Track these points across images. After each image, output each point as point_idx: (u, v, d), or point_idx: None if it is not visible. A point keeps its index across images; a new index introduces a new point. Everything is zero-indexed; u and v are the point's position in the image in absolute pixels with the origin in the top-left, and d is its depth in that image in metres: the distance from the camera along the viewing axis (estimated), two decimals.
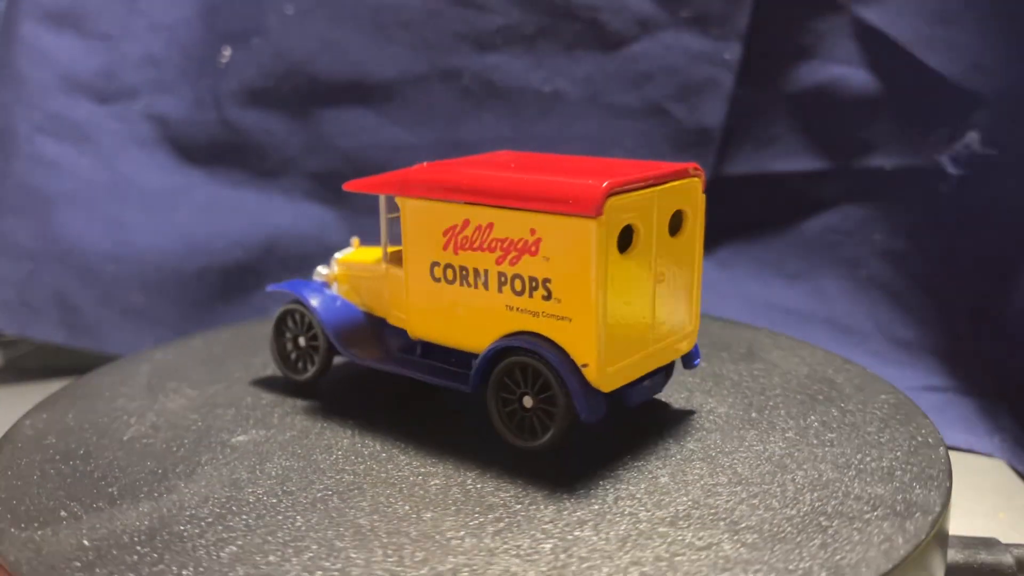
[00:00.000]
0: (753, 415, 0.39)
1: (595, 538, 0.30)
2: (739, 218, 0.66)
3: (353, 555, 0.29)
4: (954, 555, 0.35)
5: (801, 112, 0.63)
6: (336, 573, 0.28)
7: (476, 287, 0.35)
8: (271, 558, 0.29)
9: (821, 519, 0.31)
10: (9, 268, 0.62)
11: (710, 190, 0.65)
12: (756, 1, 0.62)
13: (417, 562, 0.29)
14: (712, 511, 0.32)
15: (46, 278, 0.62)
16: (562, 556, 0.29)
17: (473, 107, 0.64)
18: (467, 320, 0.36)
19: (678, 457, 0.36)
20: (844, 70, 0.61)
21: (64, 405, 0.42)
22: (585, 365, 0.33)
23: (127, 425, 0.39)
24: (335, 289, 0.43)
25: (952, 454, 0.36)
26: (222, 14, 0.64)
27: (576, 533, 0.30)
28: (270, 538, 0.30)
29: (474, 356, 0.36)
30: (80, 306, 0.63)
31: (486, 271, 0.35)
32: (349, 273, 0.43)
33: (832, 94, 0.62)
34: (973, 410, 0.58)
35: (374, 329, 0.42)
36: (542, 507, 0.32)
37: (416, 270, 0.37)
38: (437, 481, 0.34)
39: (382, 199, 0.40)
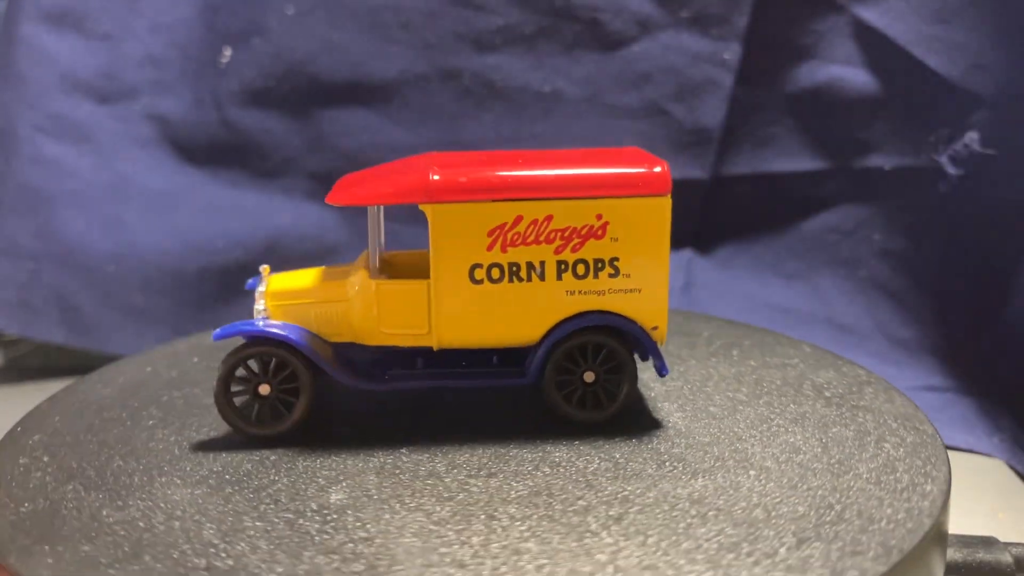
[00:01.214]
0: (749, 413, 0.40)
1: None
2: (738, 218, 0.66)
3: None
4: (953, 554, 0.35)
5: (800, 112, 0.63)
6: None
7: (530, 280, 0.37)
8: (278, 569, 0.29)
9: (820, 518, 0.31)
10: (9, 268, 0.62)
11: (710, 190, 0.65)
12: (756, 1, 0.62)
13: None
14: (713, 508, 0.32)
15: (46, 278, 0.62)
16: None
17: (473, 107, 0.64)
18: (516, 316, 0.37)
19: (679, 457, 0.36)
20: (844, 70, 0.61)
21: (65, 405, 0.42)
22: (655, 327, 0.38)
23: (128, 425, 0.39)
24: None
25: (951, 454, 0.37)
26: (222, 14, 0.64)
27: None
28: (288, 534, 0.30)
29: (491, 352, 0.39)
30: (80, 306, 0.63)
31: (542, 263, 0.37)
32: (292, 304, 0.39)
33: (832, 94, 0.62)
34: (972, 410, 0.58)
35: (343, 356, 0.39)
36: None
37: (451, 276, 0.37)
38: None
39: (378, 211, 0.39)
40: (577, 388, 0.38)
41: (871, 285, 0.63)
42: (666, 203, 0.37)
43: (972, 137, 0.58)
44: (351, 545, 0.30)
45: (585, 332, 0.38)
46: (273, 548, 0.29)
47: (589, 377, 0.38)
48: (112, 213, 0.63)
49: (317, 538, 0.30)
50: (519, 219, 0.36)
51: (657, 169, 0.37)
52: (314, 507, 0.32)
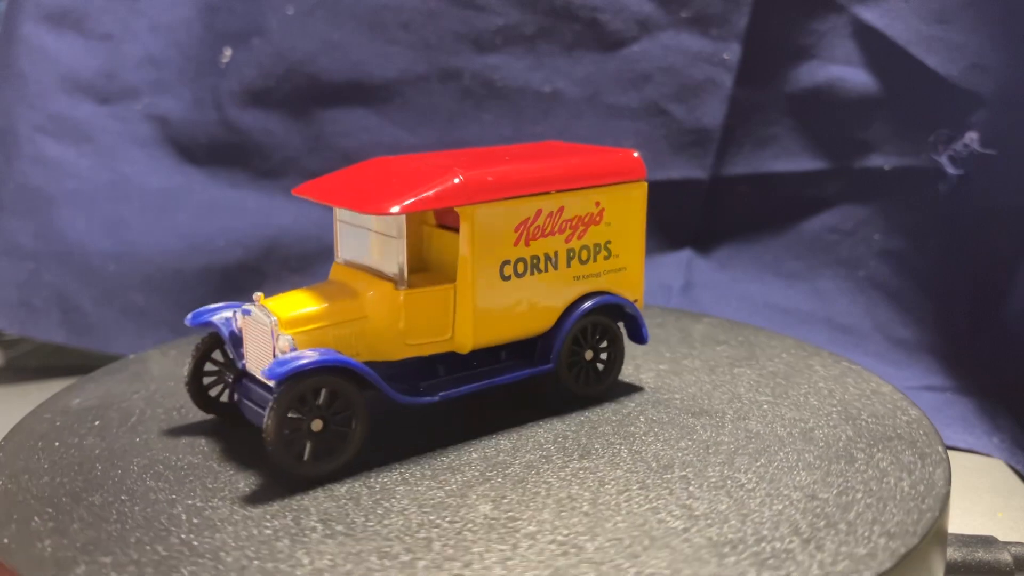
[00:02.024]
0: (747, 412, 0.40)
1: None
2: (738, 218, 0.66)
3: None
4: (953, 553, 0.35)
5: (800, 112, 0.63)
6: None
7: (546, 271, 0.39)
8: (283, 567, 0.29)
9: (820, 518, 0.31)
10: (10, 268, 0.62)
11: (710, 190, 0.66)
12: (755, 1, 0.62)
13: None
14: (712, 508, 0.32)
15: (47, 278, 0.62)
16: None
17: (473, 107, 0.64)
18: (534, 307, 0.39)
19: (678, 453, 0.36)
20: (843, 70, 0.62)
21: (66, 405, 0.42)
22: (636, 300, 0.42)
23: (128, 424, 0.39)
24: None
25: (951, 454, 0.37)
26: (222, 14, 0.64)
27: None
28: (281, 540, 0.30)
29: (500, 349, 0.39)
30: (81, 306, 0.63)
31: (556, 252, 0.39)
32: (311, 329, 0.35)
33: (831, 94, 0.62)
34: (972, 410, 0.58)
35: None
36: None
37: (485, 275, 0.37)
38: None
39: (403, 220, 0.36)
40: (581, 367, 0.40)
41: (871, 285, 0.63)
42: (644, 187, 0.41)
43: (972, 137, 0.58)
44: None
45: (590, 313, 0.40)
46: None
47: (588, 355, 0.41)
48: (112, 213, 0.63)
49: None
50: (539, 213, 0.38)
51: (635, 155, 0.40)
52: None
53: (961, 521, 0.44)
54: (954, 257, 0.60)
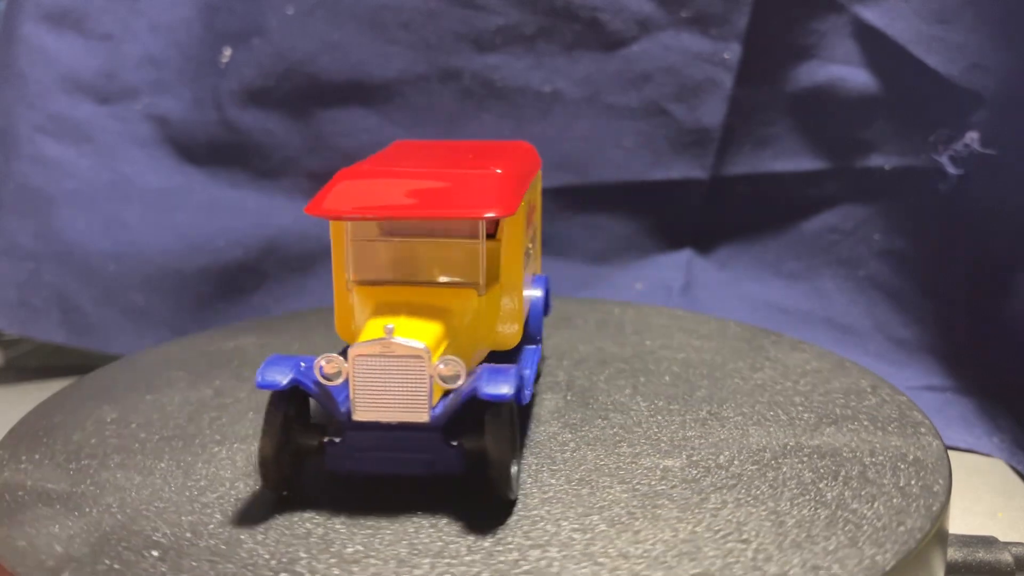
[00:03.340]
0: (748, 412, 0.40)
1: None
2: (738, 218, 0.66)
3: None
4: (953, 554, 0.35)
5: (801, 112, 0.63)
6: None
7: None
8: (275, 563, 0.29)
9: (820, 518, 0.31)
10: (10, 268, 0.62)
11: (710, 190, 0.65)
12: (756, 1, 0.62)
13: None
14: (710, 511, 0.32)
15: (46, 278, 0.62)
16: None
17: (473, 107, 0.64)
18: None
19: (680, 453, 0.36)
20: (844, 70, 0.61)
21: (66, 405, 0.42)
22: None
23: (128, 424, 0.39)
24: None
25: (951, 454, 0.37)
26: (222, 14, 0.64)
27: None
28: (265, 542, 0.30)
29: None
30: (81, 306, 0.63)
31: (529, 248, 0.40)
32: (444, 348, 0.32)
33: (832, 94, 0.62)
34: (972, 410, 0.58)
35: None
36: None
37: (518, 267, 0.36)
38: None
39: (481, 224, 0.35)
40: None
41: (871, 285, 0.63)
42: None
43: (972, 137, 0.58)
44: None
45: None
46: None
47: None
48: (112, 213, 0.63)
49: None
50: (533, 209, 0.39)
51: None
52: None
53: (962, 521, 0.44)
54: (955, 257, 0.60)
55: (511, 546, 0.29)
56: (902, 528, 0.30)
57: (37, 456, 0.36)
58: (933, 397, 0.58)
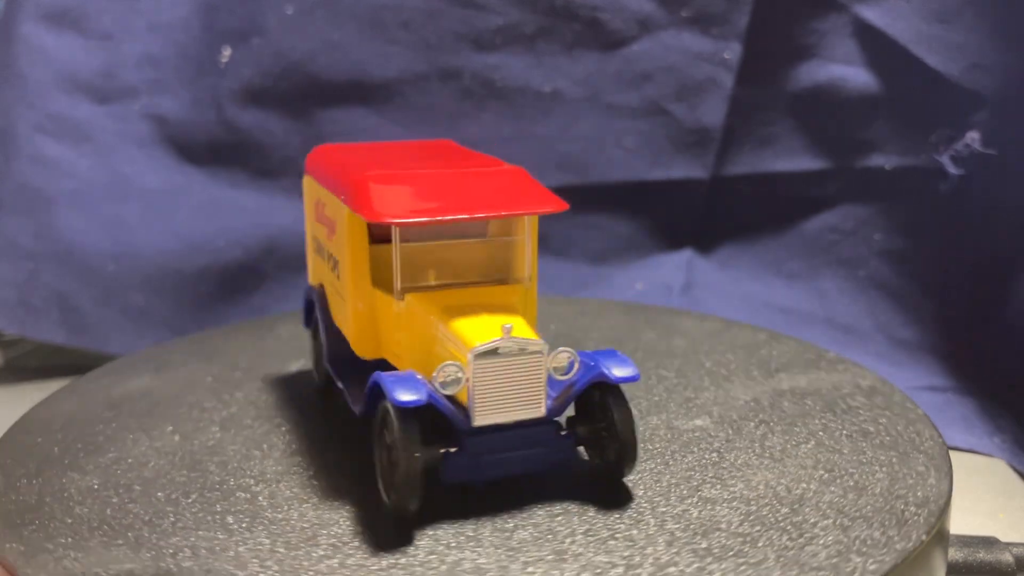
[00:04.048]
0: (749, 412, 0.39)
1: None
2: (739, 218, 0.66)
3: None
4: (954, 554, 0.35)
5: (801, 112, 0.63)
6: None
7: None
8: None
9: (821, 517, 0.31)
10: (9, 268, 0.62)
11: (711, 190, 0.65)
12: (756, 1, 0.61)
13: None
14: (710, 512, 0.32)
15: (46, 278, 0.62)
16: None
17: (473, 107, 0.64)
18: None
19: (680, 450, 0.36)
20: (844, 70, 0.61)
21: (65, 404, 0.42)
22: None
23: (127, 423, 0.39)
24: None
25: (952, 454, 0.36)
26: (222, 14, 0.64)
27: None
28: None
29: None
30: (80, 306, 0.63)
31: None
32: None
33: (832, 94, 0.62)
34: (973, 410, 0.58)
35: None
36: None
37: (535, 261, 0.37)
38: None
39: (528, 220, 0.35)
40: None
41: (872, 285, 0.63)
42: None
43: (973, 137, 0.58)
44: None
45: None
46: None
47: None
48: (112, 213, 0.63)
49: None
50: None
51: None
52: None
53: (962, 521, 0.44)
54: (955, 257, 0.60)
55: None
56: (902, 528, 0.30)
57: (36, 455, 0.36)
58: (934, 397, 0.58)
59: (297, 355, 0.47)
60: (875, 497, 0.32)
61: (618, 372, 0.31)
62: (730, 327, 0.51)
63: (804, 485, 0.33)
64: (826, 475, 0.34)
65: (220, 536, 0.30)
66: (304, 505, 0.32)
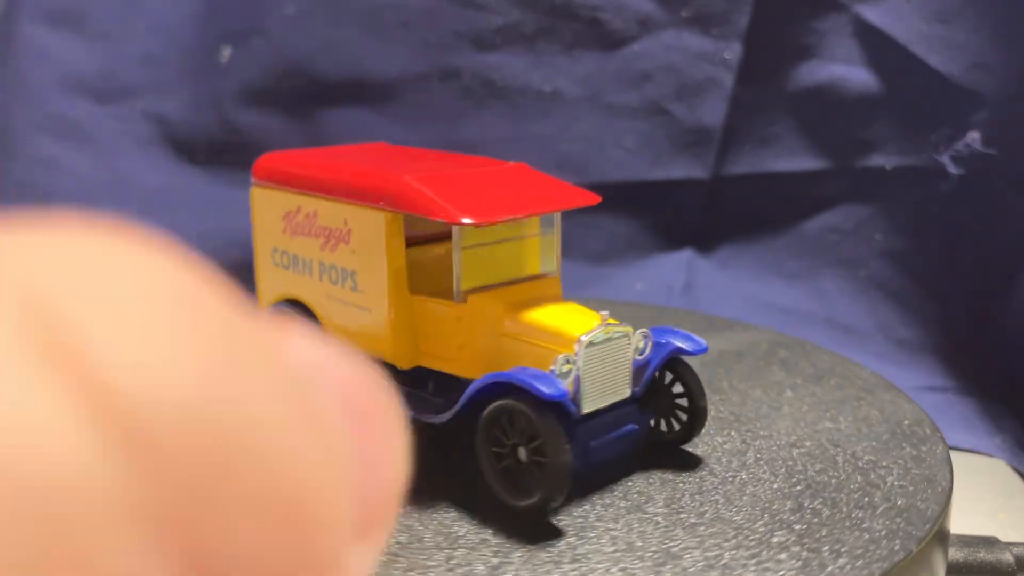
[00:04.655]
0: (750, 413, 0.39)
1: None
2: (739, 218, 0.66)
3: None
4: (955, 553, 0.35)
5: (801, 111, 0.63)
6: None
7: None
8: None
9: (822, 517, 0.31)
10: None
11: (711, 190, 0.65)
12: (756, 1, 0.61)
13: None
14: (712, 513, 0.31)
15: None
16: None
17: (473, 107, 0.64)
18: None
19: (679, 454, 0.36)
20: (844, 69, 0.61)
21: None
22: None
23: None
24: None
25: (953, 454, 0.36)
26: (222, 14, 0.64)
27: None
28: None
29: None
30: None
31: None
32: None
33: (832, 93, 0.62)
34: (973, 410, 0.57)
35: None
36: None
37: None
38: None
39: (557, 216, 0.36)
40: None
41: (872, 285, 0.63)
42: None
43: (973, 136, 0.58)
44: None
45: None
46: None
47: None
48: (111, 212, 0.63)
49: None
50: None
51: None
52: None
53: (963, 521, 0.44)
54: (956, 257, 0.60)
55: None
56: (903, 528, 0.30)
57: None
58: (935, 397, 0.58)
59: None
60: (875, 497, 0.32)
61: (689, 346, 0.33)
62: (732, 327, 0.51)
63: (805, 484, 0.33)
64: (826, 474, 0.34)
65: None
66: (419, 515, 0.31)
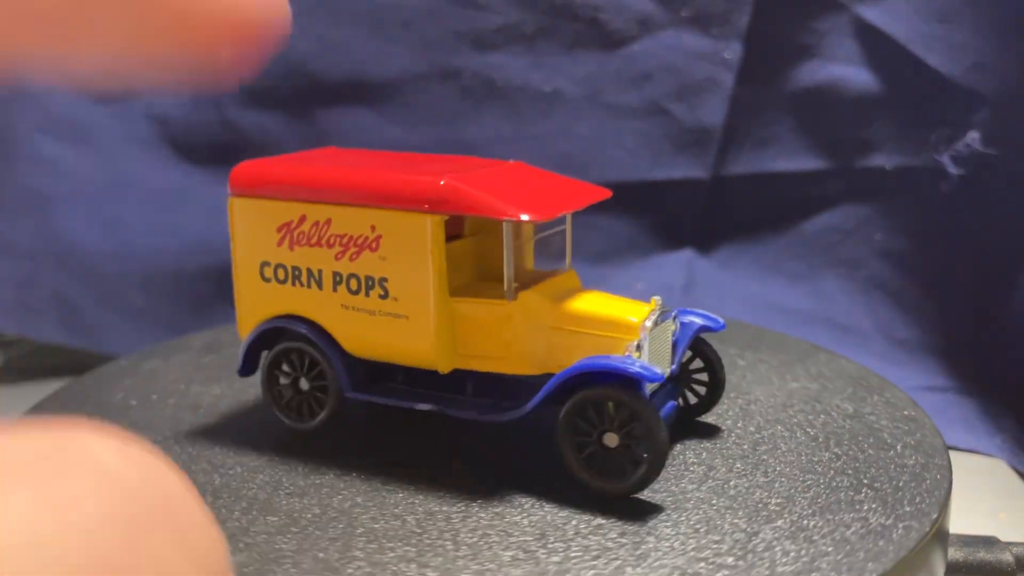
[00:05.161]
0: (751, 412, 0.39)
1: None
2: (739, 218, 0.66)
3: None
4: (954, 553, 0.35)
5: (801, 112, 0.63)
6: None
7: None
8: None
9: (822, 517, 0.31)
10: (9, 268, 0.62)
11: (711, 190, 0.65)
12: (756, 1, 0.61)
13: None
14: (713, 513, 0.31)
15: (46, 278, 0.62)
16: None
17: (473, 107, 0.64)
18: None
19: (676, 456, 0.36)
20: (844, 69, 0.61)
21: (63, 404, 0.42)
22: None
23: (125, 424, 0.39)
24: None
25: (952, 454, 0.36)
26: None
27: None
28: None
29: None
30: (80, 306, 0.63)
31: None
32: None
33: (832, 94, 0.62)
34: (973, 410, 0.57)
35: None
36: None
37: None
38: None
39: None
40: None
41: (872, 285, 0.63)
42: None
43: (973, 137, 0.58)
44: None
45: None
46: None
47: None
48: (112, 213, 0.63)
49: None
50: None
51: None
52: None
53: (963, 521, 0.44)
54: (956, 257, 0.60)
55: None
56: (903, 527, 0.30)
57: None
58: (934, 397, 0.58)
59: None
60: (875, 497, 0.32)
61: (710, 323, 0.36)
62: (732, 327, 0.51)
63: (805, 483, 0.33)
64: (826, 473, 0.34)
65: None
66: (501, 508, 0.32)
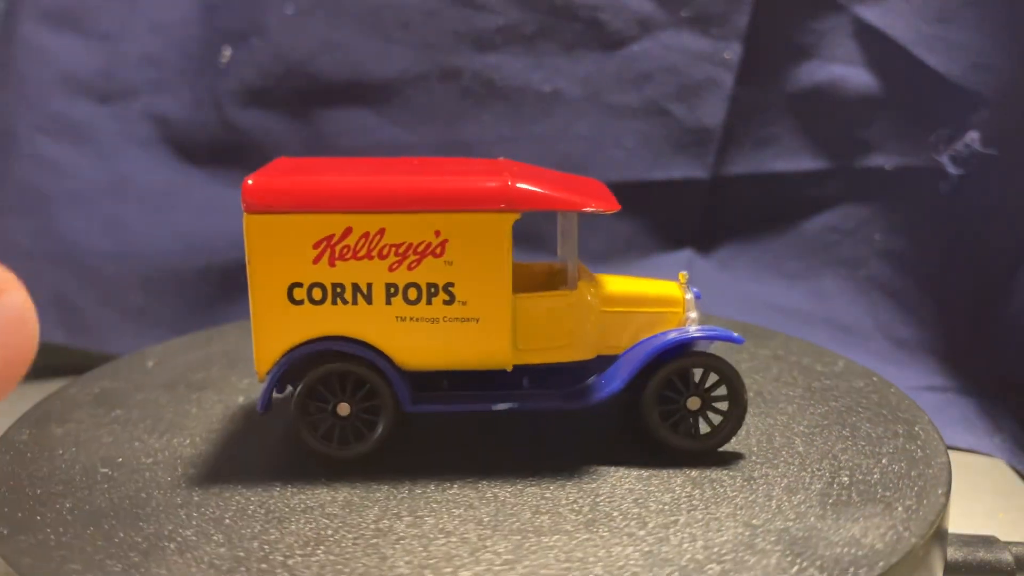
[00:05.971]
0: (752, 412, 0.39)
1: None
2: (739, 218, 0.66)
3: None
4: (953, 553, 0.35)
5: (801, 112, 0.63)
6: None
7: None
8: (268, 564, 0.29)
9: (821, 516, 0.31)
10: (9, 268, 0.62)
11: (711, 190, 0.65)
12: (756, 1, 0.61)
13: None
14: (713, 513, 0.32)
15: (46, 278, 0.62)
16: None
17: (473, 107, 0.64)
18: None
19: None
20: (844, 70, 0.61)
21: (62, 404, 0.42)
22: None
23: (125, 424, 0.39)
24: None
25: (952, 453, 0.36)
26: (222, 14, 0.64)
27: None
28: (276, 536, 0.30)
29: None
30: (80, 306, 0.63)
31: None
32: None
33: (832, 94, 0.62)
34: (973, 410, 0.57)
35: None
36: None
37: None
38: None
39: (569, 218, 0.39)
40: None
41: (872, 285, 0.63)
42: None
43: (973, 137, 0.58)
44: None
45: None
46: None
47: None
48: (112, 213, 0.63)
49: None
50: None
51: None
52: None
53: (962, 521, 0.44)
54: (955, 257, 0.60)
55: None
56: (902, 527, 0.30)
57: (36, 455, 0.36)
58: (934, 397, 0.58)
59: None
60: (874, 495, 0.32)
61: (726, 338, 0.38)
62: (732, 327, 0.51)
63: (804, 483, 0.33)
64: (825, 473, 0.34)
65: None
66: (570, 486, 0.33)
